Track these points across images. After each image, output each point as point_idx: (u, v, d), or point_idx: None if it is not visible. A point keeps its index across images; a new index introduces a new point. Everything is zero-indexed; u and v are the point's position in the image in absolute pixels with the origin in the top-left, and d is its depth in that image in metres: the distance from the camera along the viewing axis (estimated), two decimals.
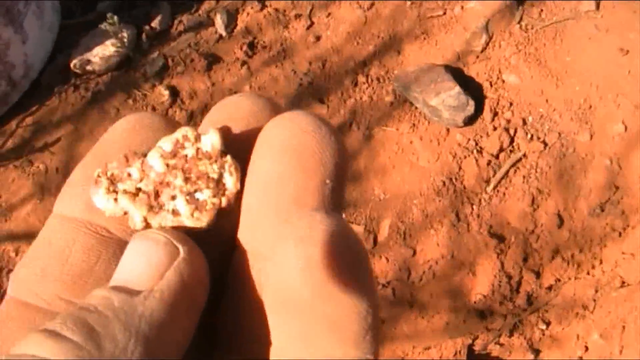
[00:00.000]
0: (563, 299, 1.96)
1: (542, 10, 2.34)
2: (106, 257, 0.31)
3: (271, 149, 0.31)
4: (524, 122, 2.15)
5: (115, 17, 2.22)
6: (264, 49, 2.39)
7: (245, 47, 2.38)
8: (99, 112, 2.31)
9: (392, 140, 2.17)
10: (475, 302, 1.96)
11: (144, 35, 2.43)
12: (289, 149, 0.30)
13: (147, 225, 0.31)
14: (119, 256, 0.30)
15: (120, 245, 0.32)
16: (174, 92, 2.32)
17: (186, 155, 0.32)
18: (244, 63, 2.36)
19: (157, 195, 0.32)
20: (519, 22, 2.31)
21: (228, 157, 0.31)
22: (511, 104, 2.18)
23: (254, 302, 0.30)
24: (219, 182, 0.31)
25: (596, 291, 1.95)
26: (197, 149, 0.32)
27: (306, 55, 2.37)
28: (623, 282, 1.94)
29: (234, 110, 0.34)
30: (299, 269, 0.27)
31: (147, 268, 0.28)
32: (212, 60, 2.37)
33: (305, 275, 0.27)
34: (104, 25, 2.24)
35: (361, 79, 2.29)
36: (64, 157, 2.23)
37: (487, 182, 2.09)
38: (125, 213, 0.31)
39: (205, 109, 2.29)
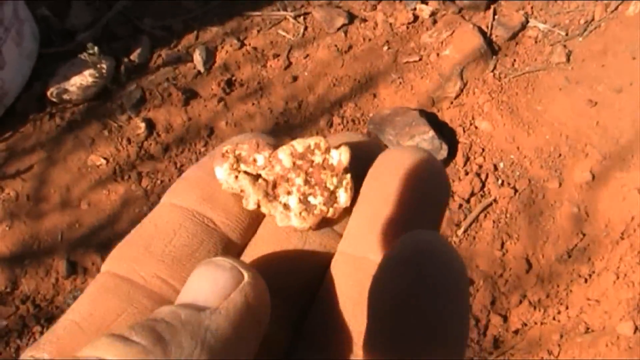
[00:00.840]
0: (529, 344, 1.98)
1: (515, 60, 2.41)
2: (208, 245, 0.33)
3: (387, 171, 0.33)
4: (495, 168, 2.19)
5: (96, 48, 2.24)
6: (241, 86, 2.42)
7: (222, 84, 2.40)
8: (73, 141, 2.30)
9: None
10: None
11: (122, 68, 2.44)
12: (406, 173, 0.32)
13: (258, 208, 0.34)
14: (219, 248, 0.32)
15: (222, 239, 0.34)
16: (150, 125, 2.33)
17: (313, 161, 0.34)
18: (221, 99, 2.38)
19: (274, 186, 0.34)
20: (492, 71, 2.36)
21: (348, 176, 0.34)
22: (483, 150, 2.22)
23: (352, 304, 0.31)
24: (332, 194, 0.34)
25: (561, 336, 1.97)
26: (324, 159, 0.34)
27: (283, 94, 2.40)
28: (588, 328, 1.97)
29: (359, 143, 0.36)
30: (401, 290, 0.29)
31: (214, 288, 0.29)
32: (190, 95, 2.39)
33: (403, 296, 0.29)
34: (83, 55, 2.25)
35: (336, 119, 2.32)
36: (35, 184, 2.22)
37: (458, 225, 2.11)
38: (242, 191, 0.34)
39: (180, 142, 2.30)
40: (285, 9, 2.60)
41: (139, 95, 2.38)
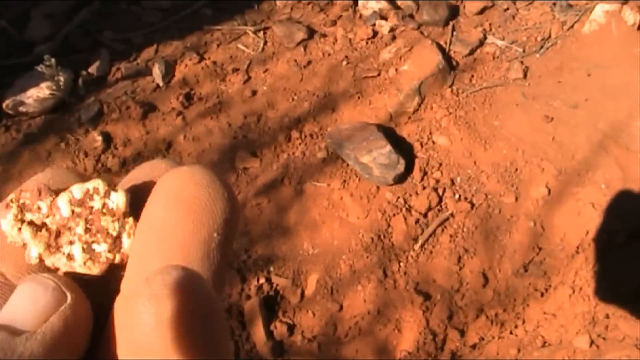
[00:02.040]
0: (486, 358, 1.98)
1: (473, 76, 2.43)
2: (1, 301, 0.32)
3: (164, 197, 0.31)
4: (453, 183, 2.20)
5: (53, 60, 2.22)
6: (200, 100, 2.41)
7: (181, 98, 2.39)
8: (30, 154, 2.27)
9: (323, 196, 2.19)
10: (400, 359, 1.96)
11: (80, 80, 2.42)
12: (180, 199, 0.31)
13: (41, 262, 0.32)
14: None
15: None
16: (108, 139, 2.31)
17: (92, 207, 0.33)
18: (179, 113, 2.37)
19: (57, 235, 0.32)
20: (450, 86, 2.38)
21: (130, 219, 0.32)
22: (440, 165, 2.23)
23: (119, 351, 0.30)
24: (116, 240, 0.32)
25: (518, 350, 1.97)
26: (104, 204, 0.33)
27: (242, 108, 2.39)
28: (544, 342, 1.98)
29: (150, 171, 0.34)
30: (150, 327, 0.27)
31: (33, 310, 0.29)
32: (148, 108, 2.37)
33: (156, 333, 0.27)
34: (40, 67, 2.23)
35: (295, 134, 2.32)
36: None
37: (415, 240, 2.11)
38: (24, 245, 0.32)
39: (138, 156, 2.28)
40: (245, 24, 2.60)
41: (97, 108, 2.36)
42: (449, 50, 2.48)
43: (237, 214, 0.32)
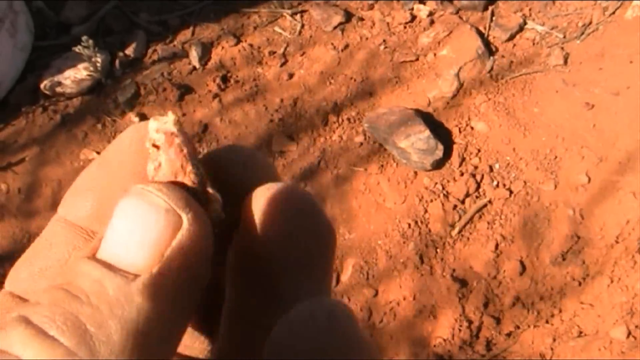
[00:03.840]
0: (521, 347, 1.97)
1: (512, 62, 2.40)
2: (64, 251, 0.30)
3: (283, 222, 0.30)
4: (491, 169, 2.18)
5: (90, 41, 2.22)
6: (237, 83, 2.40)
7: (218, 80, 2.39)
8: (66, 136, 2.28)
9: (360, 180, 2.18)
10: (435, 346, 1.95)
11: (117, 62, 2.42)
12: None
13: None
14: None
15: None
16: (144, 120, 2.30)
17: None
18: (215, 96, 2.36)
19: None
20: (489, 72, 2.35)
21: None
22: (479, 151, 2.21)
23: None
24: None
25: (554, 340, 1.96)
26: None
27: (278, 92, 2.38)
28: (580, 332, 1.96)
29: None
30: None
31: (145, 243, 0.25)
32: (184, 91, 2.37)
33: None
34: (78, 48, 2.23)
35: (332, 118, 2.31)
36: (27, 178, 2.20)
37: (452, 226, 2.10)
38: (159, 164, 0.30)
39: None
40: (282, 7, 2.59)
41: (134, 90, 2.37)
42: (488, 35, 2.45)
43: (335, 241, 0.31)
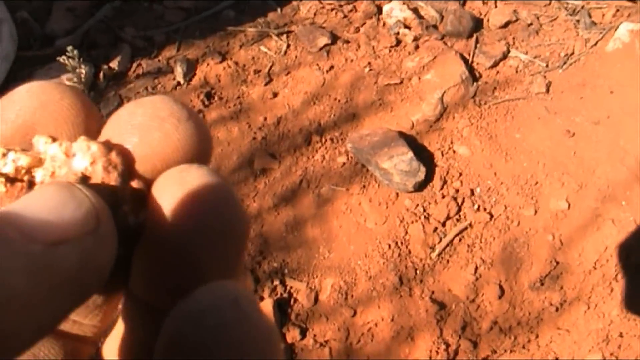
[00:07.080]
0: None
1: (495, 88, 2.42)
2: None
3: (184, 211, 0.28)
4: (472, 193, 2.19)
5: (75, 51, 2.21)
6: (221, 100, 2.40)
7: (202, 97, 2.39)
8: None
9: (342, 200, 2.18)
10: None
11: (101, 75, 2.41)
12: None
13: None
14: None
15: None
16: None
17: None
18: (199, 112, 2.36)
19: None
20: (473, 97, 2.38)
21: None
22: (460, 174, 2.22)
23: None
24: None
25: None
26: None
27: (262, 110, 2.39)
28: (556, 359, 1.96)
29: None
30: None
31: (54, 227, 0.24)
32: None
33: None
34: (62, 59, 2.22)
35: (315, 138, 2.31)
36: None
37: (432, 248, 2.10)
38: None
39: None
40: (268, 27, 2.60)
41: (117, 103, 2.36)
42: (472, 61, 2.48)
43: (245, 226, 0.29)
